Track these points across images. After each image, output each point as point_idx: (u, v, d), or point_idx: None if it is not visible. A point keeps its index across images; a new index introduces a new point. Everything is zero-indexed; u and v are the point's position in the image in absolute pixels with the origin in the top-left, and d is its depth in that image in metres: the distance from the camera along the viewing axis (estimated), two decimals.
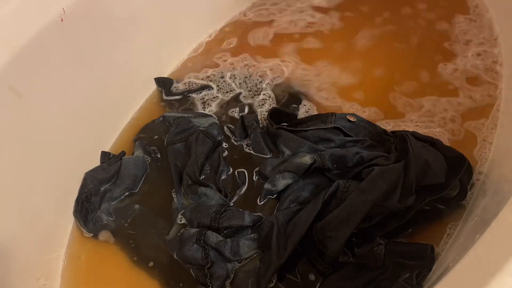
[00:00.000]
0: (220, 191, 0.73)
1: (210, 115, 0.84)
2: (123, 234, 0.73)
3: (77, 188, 0.76)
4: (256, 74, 0.92)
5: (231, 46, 0.99)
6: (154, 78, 0.93)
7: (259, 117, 0.83)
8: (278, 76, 0.92)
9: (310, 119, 0.79)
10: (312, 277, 0.64)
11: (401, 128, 0.78)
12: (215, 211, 0.68)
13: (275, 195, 0.72)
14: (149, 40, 0.89)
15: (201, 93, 0.90)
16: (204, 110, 0.87)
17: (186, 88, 0.92)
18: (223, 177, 0.76)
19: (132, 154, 0.81)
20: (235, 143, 0.81)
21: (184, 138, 0.78)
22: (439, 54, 0.89)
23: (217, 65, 0.95)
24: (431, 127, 0.78)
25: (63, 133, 0.75)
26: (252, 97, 0.88)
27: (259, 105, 0.86)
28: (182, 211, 0.72)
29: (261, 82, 0.91)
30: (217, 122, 0.82)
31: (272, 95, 0.88)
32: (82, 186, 0.76)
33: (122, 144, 0.85)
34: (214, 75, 0.93)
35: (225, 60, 0.96)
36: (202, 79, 0.93)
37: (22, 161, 0.68)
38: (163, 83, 0.92)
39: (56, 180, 0.74)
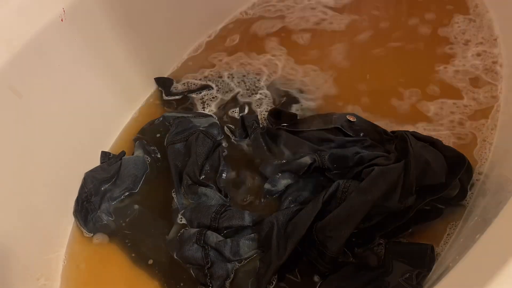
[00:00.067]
0: (220, 191, 0.73)
1: (210, 115, 0.85)
2: (123, 234, 0.73)
3: (77, 188, 0.76)
4: (253, 72, 0.93)
5: (234, 42, 0.99)
6: (154, 78, 0.93)
7: (259, 117, 0.83)
8: (274, 72, 0.92)
9: (310, 119, 0.79)
10: (312, 277, 0.64)
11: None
12: (215, 211, 0.68)
13: (275, 195, 0.72)
14: (149, 40, 0.89)
15: (201, 93, 0.90)
16: (204, 110, 0.87)
17: (186, 88, 0.92)
18: (223, 177, 0.76)
19: (132, 154, 0.81)
20: (235, 143, 0.81)
21: (184, 138, 0.78)
22: (440, 55, 0.89)
23: (213, 65, 0.95)
24: (438, 130, 0.78)
25: (63, 133, 0.75)
26: (249, 96, 0.88)
27: (257, 105, 0.86)
28: (182, 211, 0.72)
29: (258, 80, 0.91)
30: (217, 122, 0.82)
31: (269, 94, 0.88)
32: (82, 186, 0.76)
33: (122, 144, 0.85)
34: (212, 75, 0.93)
35: (221, 60, 0.96)
36: (200, 79, 0.93)
37: (22, 161, 0.68)
38: (163, 83, 0.92)
39: (56, 180, 0.74)
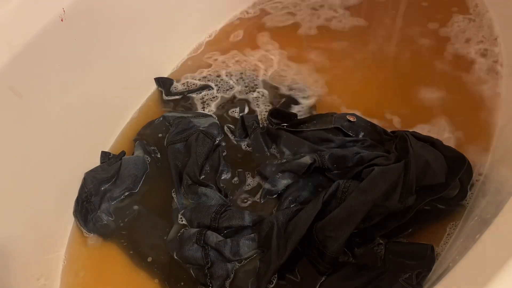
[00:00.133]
0: (220, 191, 0.73)
1: (210, 115, 0.84)
2: (123, 234, 0.73)
3: (77, 188, 0.76)
4: (249, 68, 0.93)
5: (235, 41, 0.99)
6: (154, 78, 0.93)
7: (259, 117, 0.83)
8: (271, 66, 0.92)
9: (310, 119, 0.79)
10: (312, 277, 0.64)
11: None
12: (215, 211, 0.68)
13: (275, 195, 0.72)
14: (149, 40, 0.89)
15: (200, 93, 0.90)
16: (204, 110, 0.87)
17: (186, 88, 0.92)
18: (223, 177, 0.76)
19: (132, 154, 0.81)
20: (235, 143, 0.81)
21: (184, 138, 0.78)
22: (440, 54, 0.89)
23: (209, 65, 0.95)
24: (438, 130, 0.78)
25: (63, 133, 0.75)
26: (246, 93, 0.88)
27: (255, 105, 0.86)
28: (182, 211, 0.72)
29: (257, 76, 0.91)
30: (217, 122, 0.82)
31: (266, 93, 0.88)
32: (82, 186, 0.76)
33: (122, 144, 0.85)
34: (210, 74, 0.93)
35: (216, 59, 0.96)
36: (199, 79, 0.93)
37: (22, 161, 0.68)
38: (163, 83, 0.92)
39: (56, 180, 0.74)
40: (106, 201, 0.76)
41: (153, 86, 0.93)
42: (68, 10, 0.71)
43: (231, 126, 0.83)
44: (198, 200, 0.72)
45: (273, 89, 0.89)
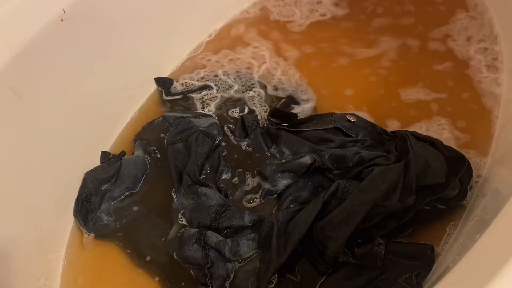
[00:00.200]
0: (220, 191, 0.73)
1: (210, 115, 0.84)
2: (123, 234, 0.73)
3: (77, 188, 0.76)
4: (243, 66, 0.93)
5: (235, 41, 1.00)
6: (154, 78, 0.93)
7: (259, 117, 0.83)
8: (264, 62, 0.92)
9: (310, 119, 0.79)
10: (312, 277, 0.64)
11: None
12: (215, 211, 0.68)
13: (275, 195, 0.72)
14: (149, 40, 0.89)
15: (200, 92, 0.90)
16: (204, 110, 0.87)
17: (185, 88, 0.92)
18: (223, 177, 0.76)
19: (132, 154, 0.81)
20: (235, 143, 0.81)
21: (184, 138, 0.78)
22: (439, 53, 0.89)
23: (204, 66, 0.95)
24: (438, 129, 0.78)
25: (63, 133, 0.75)
26: (242, 92, 0.88)
27: (253, 103, 0.86)
28: (182, 211, 0.72)
29: (251, 73, 0.91)
30: (217, 122, 0.82)
31: (262, 92, 0.88)
32: (82, 186, 0.76)
33: (122, 144, 0.85)
34: (208, 74, 0.93)
35: (209, 60, 0.96)
36: (197, 80, 0.93)
37: (22, 161, 0.68)
38: (163, 83, 0.92)
39: (56, 180, 0.74)
40: (106, 201, 0.76)
41: (153, 86, 0.93)
42: (68, 10, 0.70)
43: (231, 126, 0.83)
44: (198, 200, 0.72)
45: (270, 89, 0.89)
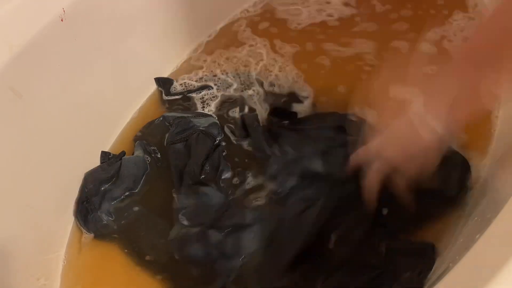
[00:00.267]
0: (220, 191, 0.73)
1: (210, 115, 0.84)
2: (124, 234, 0.73)
3: (77, 188, 0.76)
4: (241, 64, 0.93)
5: (234, 41, 0.99)
6: (154, 78, 0.92)
7: (259, 117, 0.83)
8: (261, 60, 0.92)
9: (311, 117, 0.79)
10: (313, 275, 0.64)
11: None
12: (216, 210, 0.69)
13: (278, 195, 0.72)
14: (149, 40, 0.89)
15: (200, 92, 0.90)
16: (204, 109, 0.87)
17: (184, 89, 0.91)
18: (223, 177, 0.76)
19: (132, 154, 0.81)
20: (235, 143, 0.81)
21: (184, 138, 0.78)
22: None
23: (202, 66, 0.95)
24: None
25: (63, 133, 0.75)
26: (242, 91, 0.88)
27: (252, 103, 0.86)
28: (183, 211, 0.72)
29: (249, 71, 0.91)
30: (217, 122, 0.82)
31: (261, 91, 0.88)
32: (82, 186, 0.77)
33: (122, 144, 0.85)
34: (206, 74, 0.93)
35: (209, 60, 0.96)
36: (196, 80, 0.92)
37: (22, 161, 0.68)
38: (163, 83, 0.92)
39: (56, 180, 0.74)
40: (106, 201, 0.76)
41: (153, 86, 0.93)
42: (68, 10, 0.70)
43: (231, 126, 0.83)
44: (199, 200, 0.72)
45: (267, 85, 0.89)
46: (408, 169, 0.58)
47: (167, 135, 0.81)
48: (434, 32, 0.92)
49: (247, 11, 1.05)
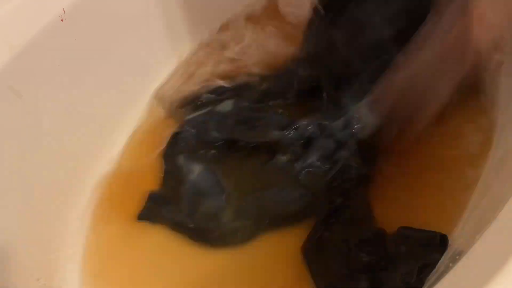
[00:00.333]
0: None
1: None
2: None
3: (77, 188, 0.77)
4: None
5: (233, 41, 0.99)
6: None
7: None
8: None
9: None
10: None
11: None
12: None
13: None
14: (150, 39, 0.89)
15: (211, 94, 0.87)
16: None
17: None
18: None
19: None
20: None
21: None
22: None
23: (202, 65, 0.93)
24: None
25: (63, 133, 0.75)
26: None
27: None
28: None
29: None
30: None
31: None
32: None
33: (123, 145, 0.85)
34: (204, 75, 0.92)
35: (209, 60, 0.94)
36: (199, 82, 0.92)
37: (22, 161, 0.68)
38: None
39: (56, 180, 0.74)
40: None
41: (154, 86, 0.92)
42: (68, 10, 0.71)
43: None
44: None
45: None
46: None
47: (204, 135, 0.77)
48: None
49: (248, 8, 1.04)
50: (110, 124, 0.86)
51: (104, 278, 0.71)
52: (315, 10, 0.75)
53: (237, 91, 0.82)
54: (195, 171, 0.72)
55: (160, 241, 0.72)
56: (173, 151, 0.78)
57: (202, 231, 0.69)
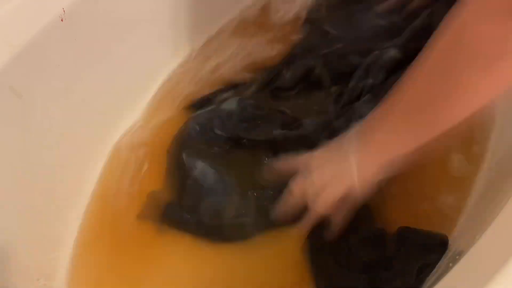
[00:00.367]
0: None
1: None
2: None
3: (77, 188, 0.77)
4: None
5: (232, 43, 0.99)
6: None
7: None
8: None
9: None
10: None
11: None
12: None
13: None
14: (151, 39, 0.89)
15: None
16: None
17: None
18: None
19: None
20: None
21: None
22: None
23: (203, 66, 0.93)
24: None
25: (63, 133, 0.75)
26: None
27: None
28: None
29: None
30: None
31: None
32: None
33: (123, 145, 0.85)
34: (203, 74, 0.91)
35: (210, 60, 0.94)
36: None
37: (22, 161, 0.68)
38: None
39: (56, 180, 0.74)
40: None
41: (154, 86, 0.92)
42: (68, 10, 0.70)
43: None
44: None
45: None
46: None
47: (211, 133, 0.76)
48: None
49: (247, 11, 1.05)
50: (111, 123, 0.86)
51: (104, 278, 0.71)
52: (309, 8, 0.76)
53: (238, 90, 0.82)
54: (198, 167, 0.72)
55: (161, 239, 0.72)
56: (177, 148, 0.78)
57: (204, 227, 0.69)
